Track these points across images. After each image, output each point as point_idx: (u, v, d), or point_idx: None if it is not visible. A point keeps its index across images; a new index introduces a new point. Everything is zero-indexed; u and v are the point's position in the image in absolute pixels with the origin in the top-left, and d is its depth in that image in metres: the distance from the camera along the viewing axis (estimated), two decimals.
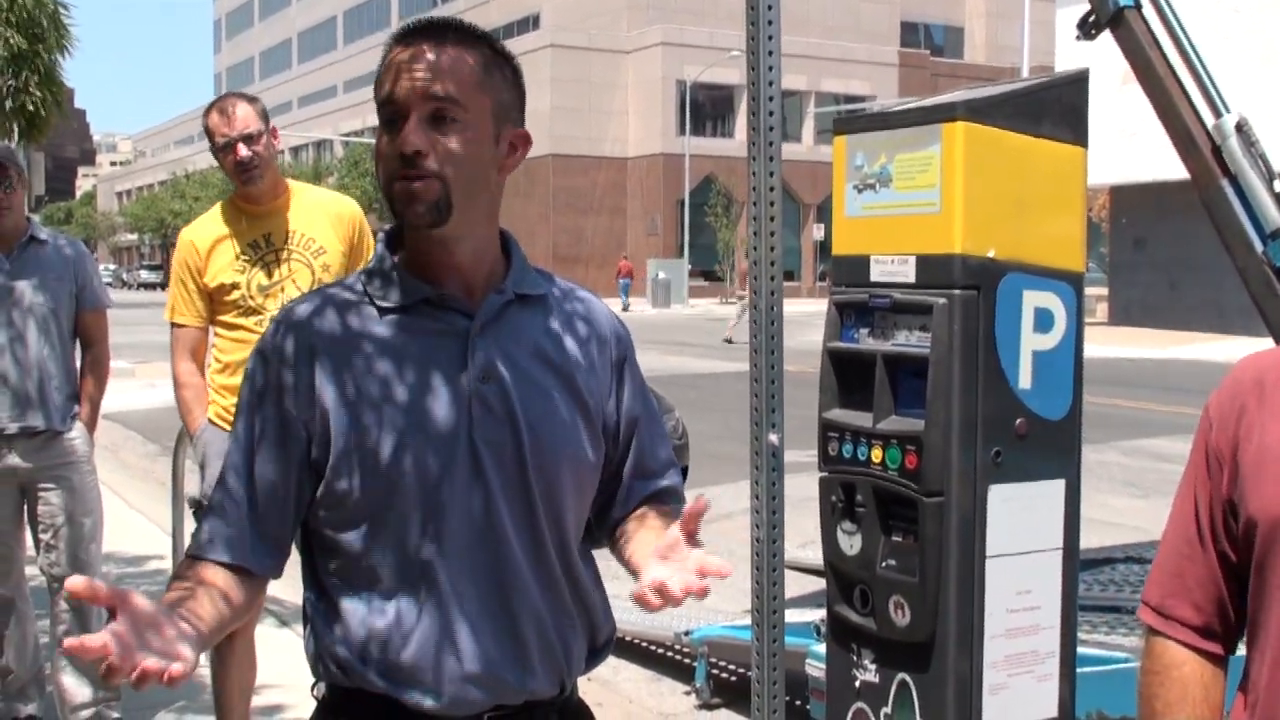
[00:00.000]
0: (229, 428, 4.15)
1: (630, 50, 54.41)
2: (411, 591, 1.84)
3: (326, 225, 4.28)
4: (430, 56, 1.83)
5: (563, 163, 51.72)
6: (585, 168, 50.28)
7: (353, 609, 1.86)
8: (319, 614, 1.91)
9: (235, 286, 4.12)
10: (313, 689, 1.96)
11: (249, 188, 4.17)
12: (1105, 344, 25.51)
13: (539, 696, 1.91)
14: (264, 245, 4.18)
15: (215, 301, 4.18)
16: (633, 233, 54.68)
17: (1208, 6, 25.19)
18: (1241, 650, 1.91)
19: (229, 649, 4.33)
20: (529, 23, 60.76)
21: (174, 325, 4.24)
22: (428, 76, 1.82)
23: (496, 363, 1.88)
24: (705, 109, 52.38)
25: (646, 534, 1.96)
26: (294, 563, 1.97)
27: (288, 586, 4.39)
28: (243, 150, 4.08)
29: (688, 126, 51.06)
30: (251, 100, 4.22)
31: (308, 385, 1.85)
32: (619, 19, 56.52)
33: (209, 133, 4.16)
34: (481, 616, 1.84)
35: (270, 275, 4.16)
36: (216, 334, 4.25)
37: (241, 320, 4.15)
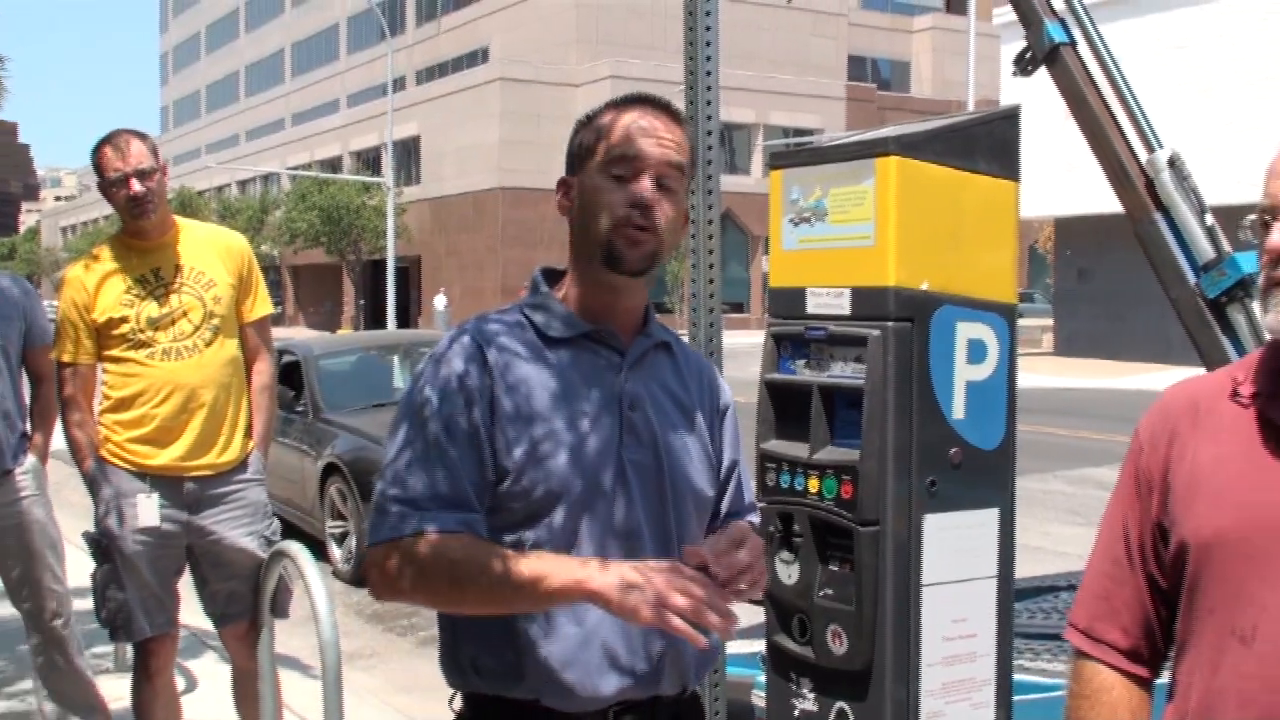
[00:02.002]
0: (123, 464, 4.15)
1: (580, 83, 54.57)
2: None
3: (216, 259, 4.29)
4: (667, 130, 2.09)
5: (512, 195, 51.71)
6: (534, 200, 50.25)
7: (501, 615, 2.01)
8: (461, 623, 2.07)
9: (124, 320, 4.10)
10: (450, 701, 2.14)
11: (140, 223, 4.16)
12: (1050, 374, 25.77)
13: (664, 694, 2.10)
14: (153, 280, 4.18)
15: (104, 336, 4.16)
16: None
17: (1149, 42, 25.64)
18: (1165, 676, 1.93)
19: (149, 690, 4.30)
20: (478, 56, 60.85)
21: (61, 365, 4.23)
22: (668, 146, 2.07)
23: (642, 396, 2.13)
24: None
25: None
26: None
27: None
28: (136, 185, 4.08)
29: None
30: (143, 137, 4.23)
31: (489, 396, 2.02)
32: (568, 52, 56.72)
33: (100, 168, 4.15)
34: (618, 621, 1.96)
35: (161, 308, 4.14)
36: (106, 369, 4.22)
37: (131, 354, 4.12)
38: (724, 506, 2.28)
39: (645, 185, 2.05)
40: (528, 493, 2.01)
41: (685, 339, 3.50)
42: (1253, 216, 1.79)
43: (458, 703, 2.13)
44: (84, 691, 4.81)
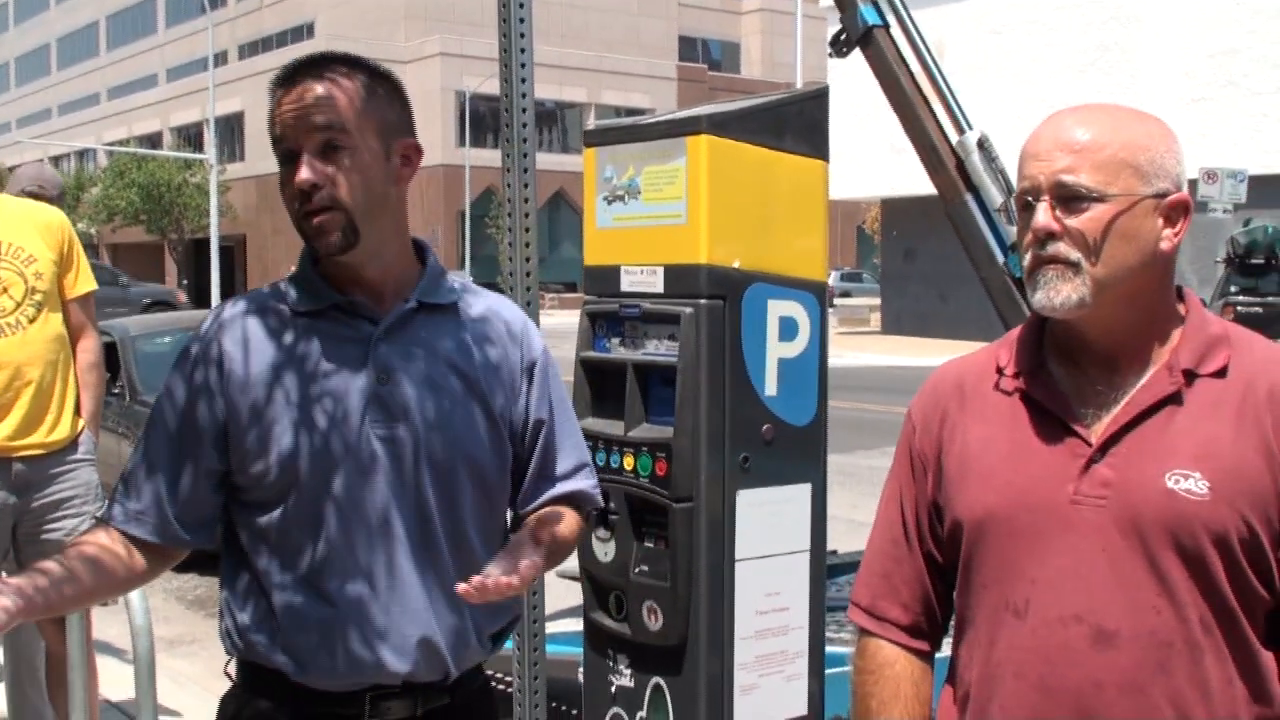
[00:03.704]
0: None
1: (408, 60, 53.83)
2: (304, 575, 2.00)
3: (35, 235, 4.15)
4: (310, 91, 1.98)
5: None
6: None
7: (255, 588, 2.03)
8: (231, 592, 2.07)
9: None
10: (225, 666, 2.13)
11: None
12: (877, 352, 26.39)
13: (417, 680, 2.04)
14: None
15: None
16: None
17: (967, 27, 26.36)
18: (946, 649, 2.00)
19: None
20: (303, 31, 59.60)
21: None
22: (310, 110, 1.97)
23: (396, 366, 2.03)
24: (485, 120, 52.22)
25: (519, 533, 2.12)
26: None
27: None
28: None
29: (468, 138, 50.86)
30: None
31: (218, 379, 2.01)
32: (396, 29, 55.96)
33: None
34: (364, 604, 1.99)
35: None
36: None
37: None
38: (531, 469, 2.19)
39: (300, 173, 1.96)
40: (261, 478, 1.99)
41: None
42: (1010, 199, 1.84)
43: (232, 668, 2.12)
44: None
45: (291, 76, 2.01)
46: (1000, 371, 1.89)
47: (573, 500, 2.24)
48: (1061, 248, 1.75)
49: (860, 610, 2.03)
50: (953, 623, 1.98)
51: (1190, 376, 1.77)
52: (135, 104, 66.51)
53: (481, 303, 2.19)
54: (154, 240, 55.02)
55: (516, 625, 2.23)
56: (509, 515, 2.24)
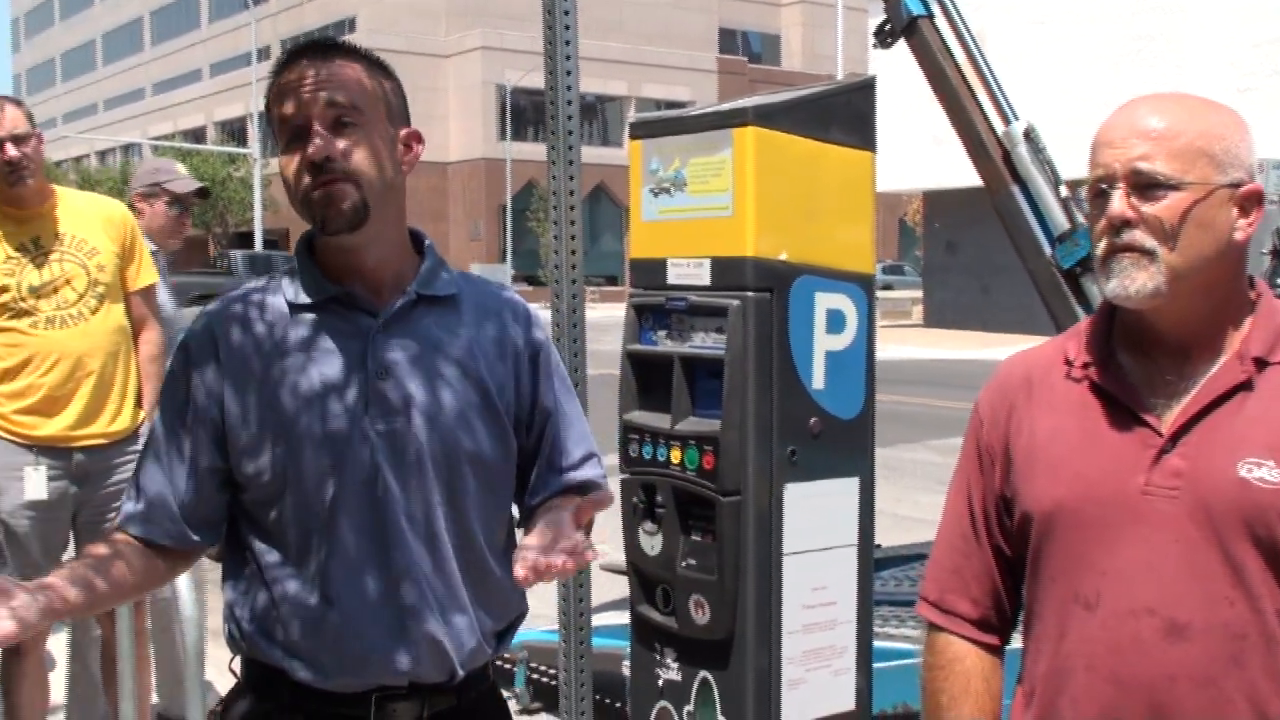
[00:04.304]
0: (8, 436, 4.04)
1: (449, 54, 54.03)
2: (306, 574, 1.97)
3: (98, 227, 4.21)
4: (318, 72, 1.95)
5: None
6: None
7: (257, 587, 2.00)
8: (233, 590, 2.05)
9: (4, 289, 4.01)
10: (230, 663, 2.09)
11: (16, 190, 4.06)
12: (920, 345, 26.25)
13: (423, 681, 2.00)
14: (33, 248, 4.08)
15: None
16: (455, 238, 54.28)
17: (1009, 17, 26.15)
18: (1017, 642, 1.98)
19: (18, 668, 4.18)
20: (345, 25, 59.80)
21: None
22: (322, 88, 1.94)
23: (396, 360, 1.98)
24: (527, 113, 52.30)
25: (541, 517, 2.06)
26: None
27: None
28: (11, 150, 3.98)
29: (509, 131, 50.92)
30: (17, 103, 4.13)
31: (216, 377, 1.98)
32: (438, 23, 56.09)
33: None
34: (367, 603, 1.95)
35: (42, 276, 4.05)
36: None
37: (13, 323, 4.02)
38: (539, 460, 2.15)
39: (314, 144, 1.92)
40: (259, 476, 1.96)
41: (548, 312, 3.49)
42: (1083, 188, 1.82)
43: (237, 664, 2.09)
44: None
45: (293, 59, 1.99)
46: (1069, 363, 1.87)
47: (583, 491, 2.18)
48: (1137, 235, 1.73)
49: (929, 605, 2.02)
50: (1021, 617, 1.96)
51: (1261, 364, 1.75)
52: (180, 99, 67.01)
53: (482, 293, 2.15)
54: (199, 234, 55.45)
55: (521, 623, 2.17)
56: (515, 510, 2.19)
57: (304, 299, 2.01)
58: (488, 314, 2.11)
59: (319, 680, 1.97)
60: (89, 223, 4.20)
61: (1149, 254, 1.73)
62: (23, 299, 4.02)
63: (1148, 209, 1.73)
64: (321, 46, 2.01)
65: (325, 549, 1.96)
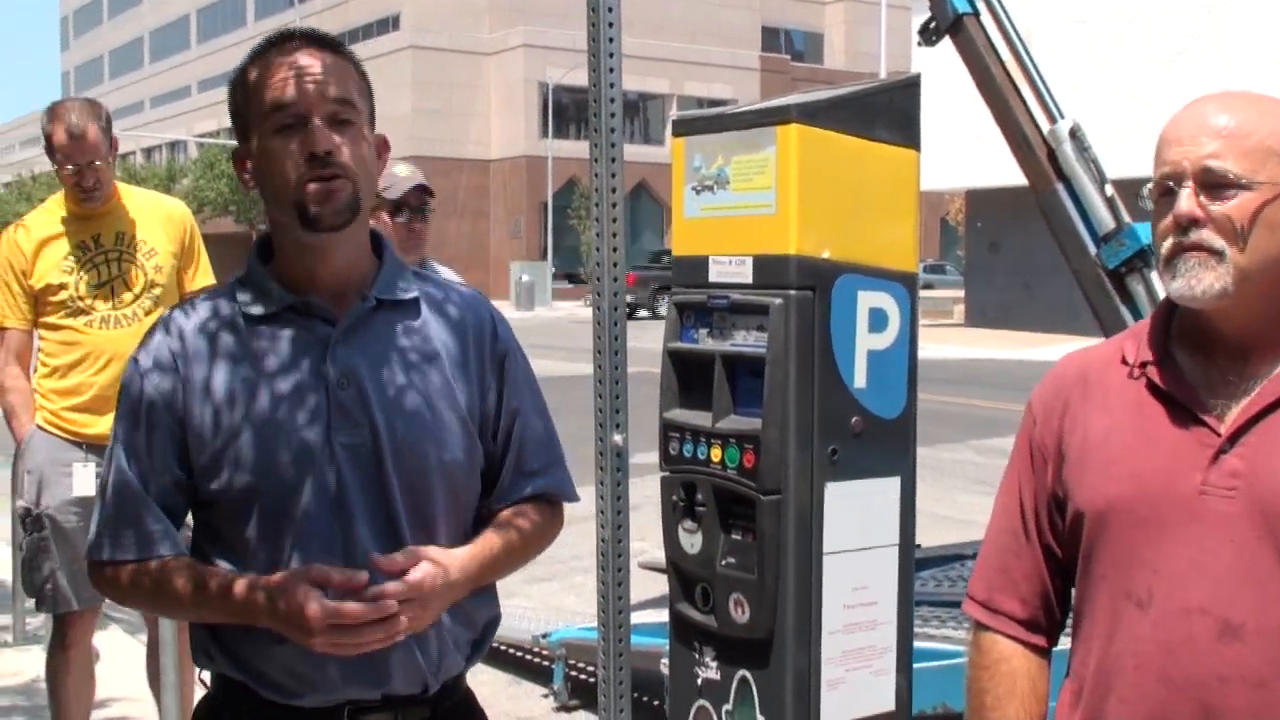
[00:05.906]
0: (59, 432, 4.09)
1: (492, 52, 54.15)
2: None
3: (157, 227, 4.24)
4: (317, 61, 1.91)
5: (424, 165, 49.80)
6: (447, 170, 49.82)
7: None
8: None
9: (63, 287, 4.05)
10: (199, 673, 2.06)
11: (85, 205, 4.11)
12: (962, 345, 26.11)
13: (396, 694, 1.96)
14: (93, 246, 4.12)
15: (41, 303, 4.10)
16: (496, 235, 54.45)
17: (1052, 15, 25.95)
18: (1065, 643, 1.96)
19: (64, 661, 4.22)
20: (389, 23, 60.07)
21: None
22: (323, 80, 1.89)
23: (357, 368, 1.93)
24: (568, 111, 52.40)
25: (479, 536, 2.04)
26: None
27: None
28: (88, 178, 4.02)
29: (550, 129, 51.01)
30: (97, 114, 4.11)
31: (174, 392, 1.92)
32: (480, 20, 56.21)
33: (50, 143, 4.07)
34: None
35: (99, 276, 4.09)
36: (42, 337, 4.16)
37: (69, 321, 4.07)
38: (506, 464, 2.09)
39: (317, 133, 1.88)
40: (223, 493, 1.91)
41: (590, 309, 3.48)
42: (1148, 186, 1.80)
43: (207, 675, 2.05)
44: None
45: (284, 43, 1.95)
46: (1126, 362, 1.85)
47: (548, 497, 2.15)
48: (1205, 235, 1.71)
49: (976, 604, 2.00)
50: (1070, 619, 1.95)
51: None
52: (225, 96, 67.40)
53: (445, 296, 2.08)
54: (242, 231, 55.88)
55: (494, 631, 2.12)
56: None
57: (259, 309, 1.96)
58: (450, 315, 2.06)
59: (288, 698, 1.94)
60: (149, 222, 4.23)
61: (1217, 254, 1.71)
62: (80, 298, 4.07)
63: (1216, 209, 1.71)
64: (314, 37, 1.96)
65: (289, 562, 1.90)
